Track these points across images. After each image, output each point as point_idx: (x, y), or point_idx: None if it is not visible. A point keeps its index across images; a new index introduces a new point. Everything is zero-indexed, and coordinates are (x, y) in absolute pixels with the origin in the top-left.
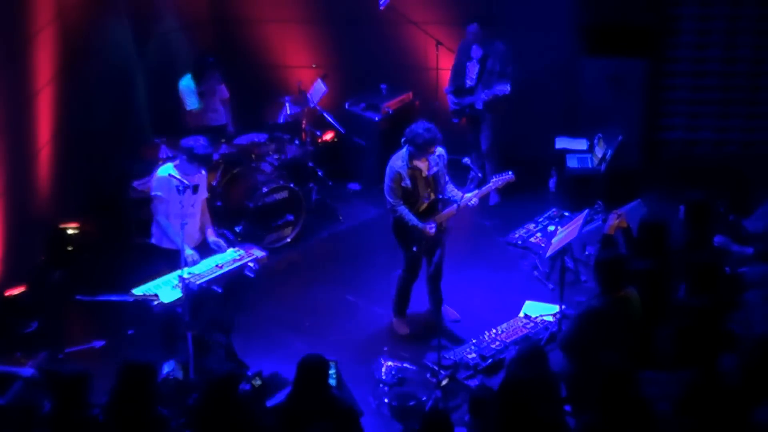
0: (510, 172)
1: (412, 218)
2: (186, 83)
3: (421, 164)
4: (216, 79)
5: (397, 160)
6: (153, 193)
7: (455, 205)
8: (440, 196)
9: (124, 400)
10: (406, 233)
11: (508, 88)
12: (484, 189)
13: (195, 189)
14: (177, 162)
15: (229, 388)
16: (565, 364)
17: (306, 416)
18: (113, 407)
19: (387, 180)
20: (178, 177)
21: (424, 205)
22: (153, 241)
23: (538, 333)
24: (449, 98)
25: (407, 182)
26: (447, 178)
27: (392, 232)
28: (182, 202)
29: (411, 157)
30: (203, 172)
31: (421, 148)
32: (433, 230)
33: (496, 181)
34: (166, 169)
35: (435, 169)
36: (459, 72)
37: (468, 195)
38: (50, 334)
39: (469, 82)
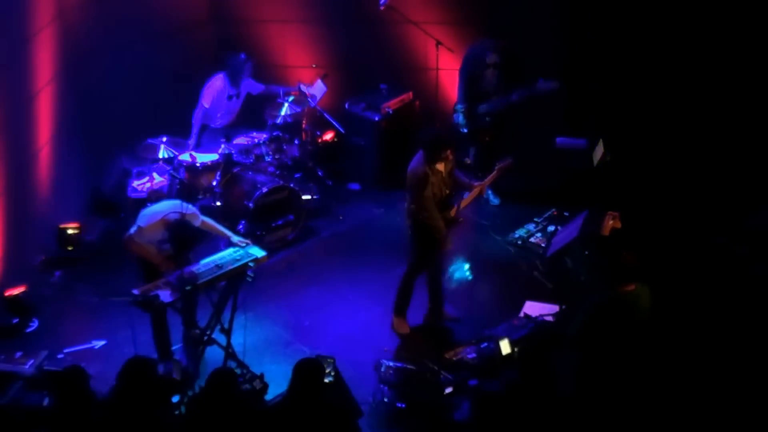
0: (509, 158)
1: (441, 222)
2: (217, 84)
3: (440, 167)
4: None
5: (421, 166)
6: (137, 227)
7: (470, 194)
8: (453, 191)
9: (125, 395)
10: (429, 233)
11: (554, 83)
12: (491, 176)
13: None
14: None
15: (229, 382)
16: (574, 359)
17: (302, 418)
18: (114, 404)
19: (416, 187)
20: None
21: (439, 203)
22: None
23: (539, 333)
24: (460, 111)
25: (433, 186)
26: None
27: (412, 230)
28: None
29: (429, 160)
30: None
31: (436, 156)
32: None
33: (500, 167)
34: (157, 215)
35: (449, 166)
36: (474, 82)
37: (477, 184)
38: (50, 334)
39: (488, 89)
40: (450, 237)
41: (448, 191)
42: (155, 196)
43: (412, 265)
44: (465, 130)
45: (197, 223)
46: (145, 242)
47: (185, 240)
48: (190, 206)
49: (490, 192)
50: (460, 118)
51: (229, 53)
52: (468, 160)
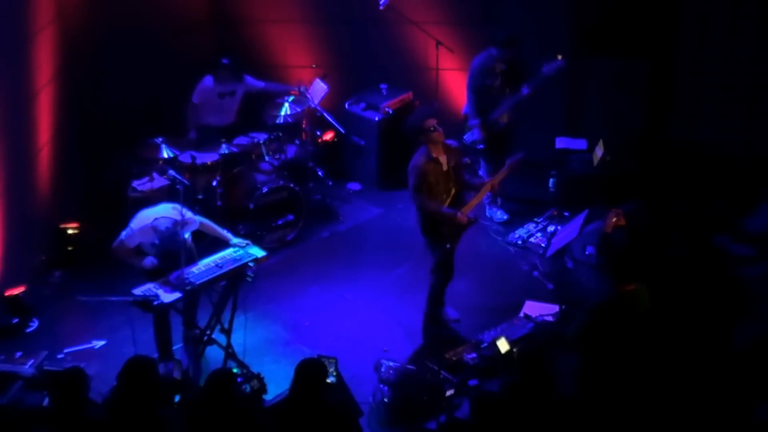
0: (520, 153)
1: (442, 208)
2: (207, 83)
3: (440, 157)
4: (232, 81)
5: (418, 158)
6: (129, 229)
7: (481, 191)
8: (461, 189)
9: (125, 396)
10: (439, 230)
11: (558, 61)
12: (501, 172)
13: None
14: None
15: (228, 383)
16: (573, 360)
17: (304, 418)
18: (115, 404)
19: (412, 179)
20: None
21: (447, 201)
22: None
23: (539, 333)
24: (476, 126)
25: (431, 178)
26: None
27: (423, 232)
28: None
29: (428, 150)
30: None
31: (423, 133)
32: (465, 218)
33: (510, 164)
34: (147, 219)
35: (453, 162)
36: (484, 93)
37: (486, 182)
38: (50, 334)
39: (497, 96)
40: (466, 212)
41: (455, 189)
42: (155, 196)
43: (436, 267)
44: (482, 147)
45: (194, 228)
46: (137, 244)
47: (168, 252)
48: (188, 212)
49: (496, 209)
50: (477, 134)
51: (217, 58)
52: (468, 160)
